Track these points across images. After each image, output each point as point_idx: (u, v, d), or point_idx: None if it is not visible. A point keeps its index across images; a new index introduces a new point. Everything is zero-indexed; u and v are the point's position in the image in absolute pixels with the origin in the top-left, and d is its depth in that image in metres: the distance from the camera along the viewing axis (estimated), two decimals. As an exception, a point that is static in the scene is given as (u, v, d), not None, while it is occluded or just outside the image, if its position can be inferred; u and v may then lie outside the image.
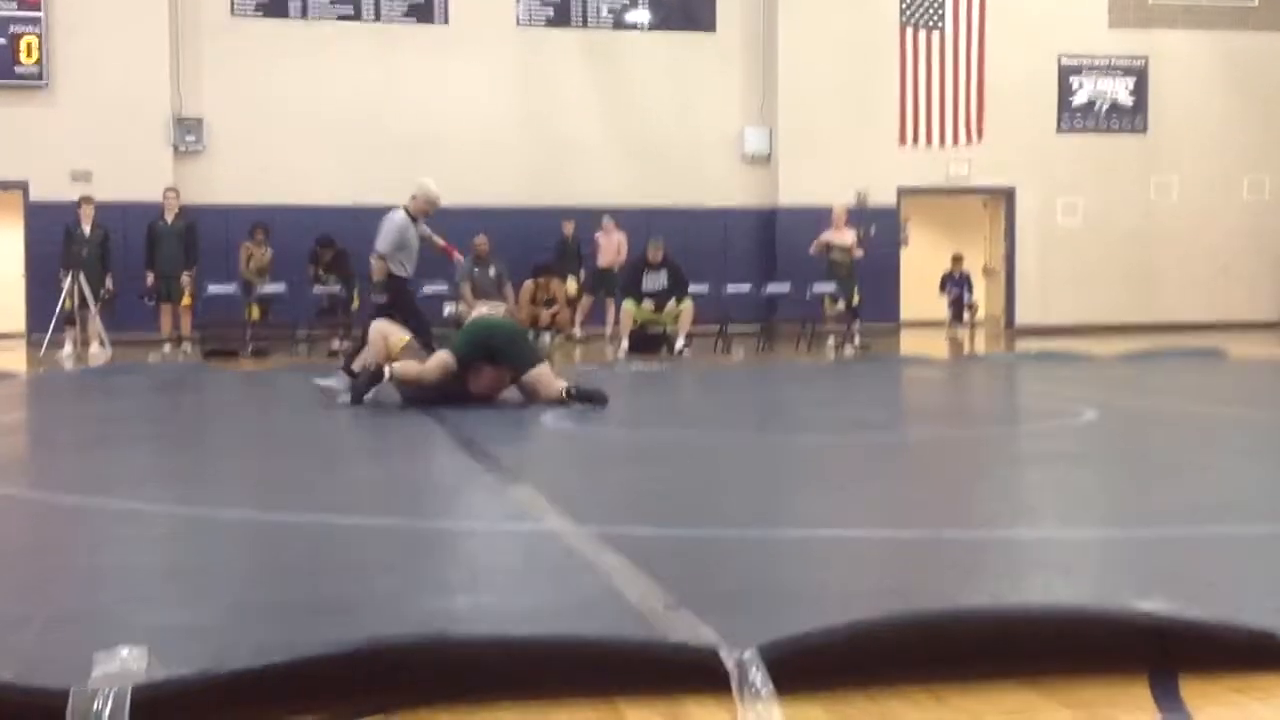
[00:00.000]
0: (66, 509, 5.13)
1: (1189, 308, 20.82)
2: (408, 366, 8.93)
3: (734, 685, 2.50)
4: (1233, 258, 21.12)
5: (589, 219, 18.48)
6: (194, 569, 3.93)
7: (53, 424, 8.99)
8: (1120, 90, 21.01)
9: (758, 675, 2.50)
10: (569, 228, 18.22)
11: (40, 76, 17.81)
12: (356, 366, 9.44)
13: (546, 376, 8.91)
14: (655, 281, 16.07)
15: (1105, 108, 20.97)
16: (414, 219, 10.21)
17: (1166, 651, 2.68)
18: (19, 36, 17.75)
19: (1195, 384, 11.60)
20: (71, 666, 2.66)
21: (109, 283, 15.73)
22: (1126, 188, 20.94)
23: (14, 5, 17.73)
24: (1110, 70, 20.96)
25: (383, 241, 10.09)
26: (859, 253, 17.25)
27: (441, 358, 8.85)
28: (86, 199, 15.90)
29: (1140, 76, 21.00)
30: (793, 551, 4.17)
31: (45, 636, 3.04)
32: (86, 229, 15.63)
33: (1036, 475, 6.03)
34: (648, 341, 16.12)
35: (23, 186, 17.99)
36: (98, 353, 15.32)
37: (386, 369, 8.78)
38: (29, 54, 17.77)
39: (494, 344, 8.92)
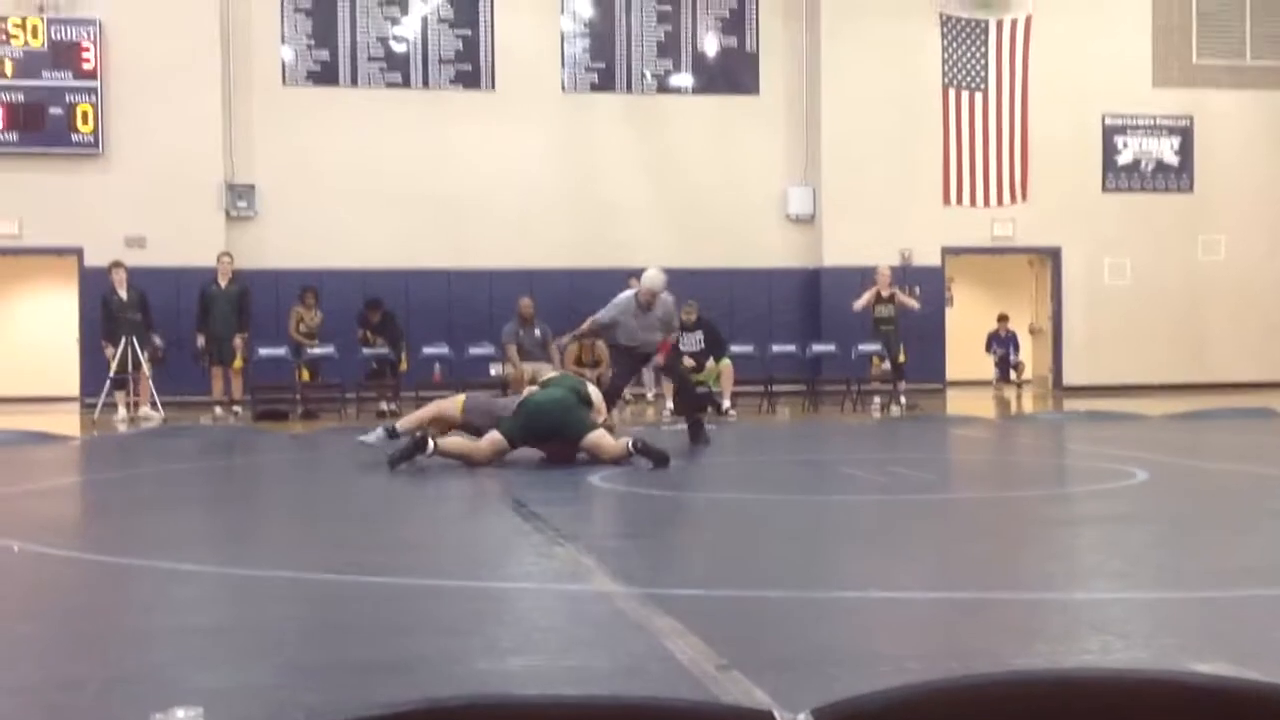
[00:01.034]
0: (121, 570, 5.18)
1: (1238, 367, 20.61)
2: (454, 443, 9.06)
3: (788, 748, 2.48)
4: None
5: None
6: (247, 629, 3.95)
7: (106, 486, 9.09)
8: (1165, 149, 20.96)
9: (812, 738, 2.48)
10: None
11: (96, 144, 18.16)
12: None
13: (604, 439, 8.99)
14: (691, 342, 16.14)
15: (1150, 167, 20.91)
16: (643, 306, 11.17)
17: (1227, 715, 2.64)
18: (75, 105, 18.12)
19: (1248, 444, 11.47)
20: (129, 727, 2.69)
21: (157, 340, 15.87)
22: (1173, 247, 20.82)
23: (70, 75, 18.12)
24: (1155, 130, 20.92)
25: (602, 312, 11.42)
26: (914, 304, 17.23)
27: (495, 439, 8.99)
28: (117, 264, 16.07)
29: (1185, 135, 20.94)
30: (844, 613, 4.14)
31: (102, 698, 3.07)
32: (123, 294, 15.79)
33: (1090, 536, 5.97)
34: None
35: (78, 252, 18.29)
36: (148, 414, 15.47)
37: (430, 442, 8.80)
38: (85, 122, 18.13)
39: (543, 426, 9.04)
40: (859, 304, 17.27)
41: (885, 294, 17.09)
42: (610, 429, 9.46)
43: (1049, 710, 2.67)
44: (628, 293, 11.71)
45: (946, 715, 2.63)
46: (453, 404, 9.82)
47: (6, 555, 5.52)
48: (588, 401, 9.30)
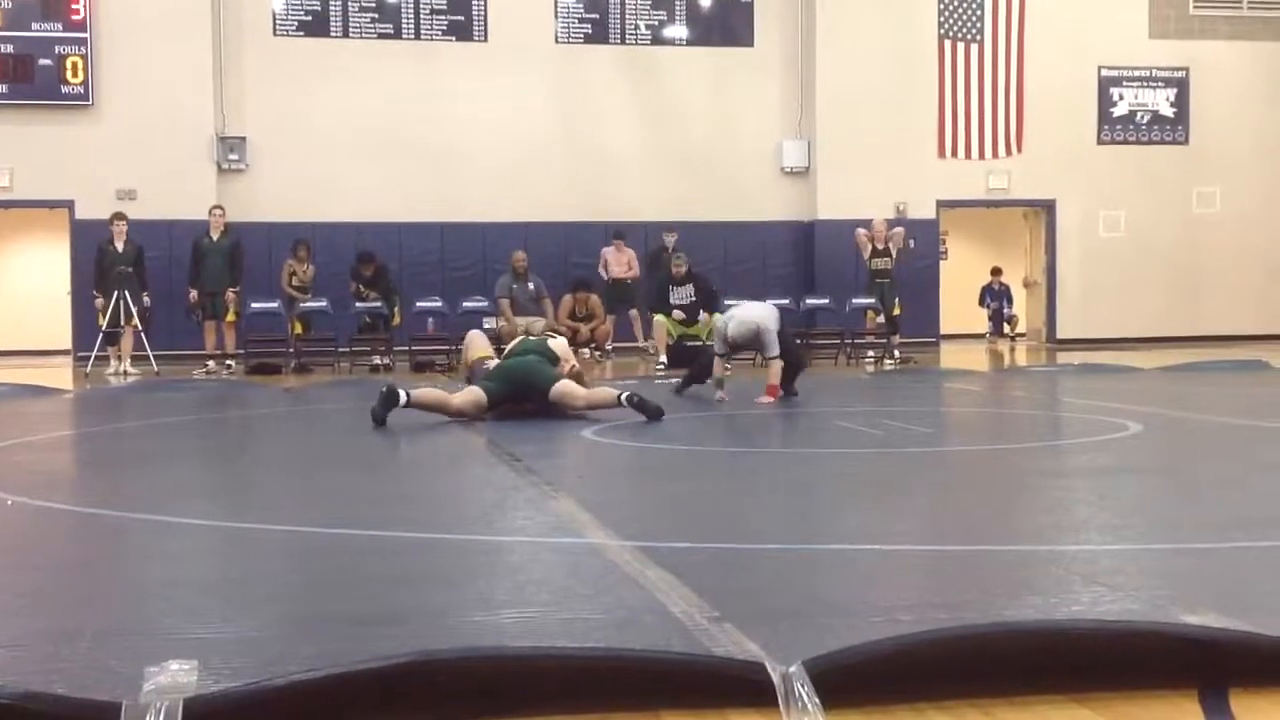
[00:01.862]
0: (114, 523, 5.18)
1: (1233, 319, 20.63)
2: (430, 394, 9.10)
3: (780, 699, 2.50)
4: (1276, 268, 20.88)
5: (629, 233, 18.53)
6: (241, 582, 3.96)
7: (100, 440, 9.09)
8: (1161, 101, 20.87)
9: (804, 689, 2.49)
10: (670, 238, 18.13)
11: (86, 96, 18.03)
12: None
13: (571, 388, 9.01)
14: (681, 295, 16.12)
15: (1146, 119, 20.84)
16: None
17: (1216, 666, 2.66)
18: (65, 57, 17.97)
19: (1240, 396, 11.49)
20: (123, 680, 2.69)
21: (145, 299, 15.76)
22: (1168, 199, 20.78)
23: (60, 26, 17.96)
24: (1151, 81, 20.82)
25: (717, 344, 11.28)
26: (900, 232, 17.27)
27: (475, 393, 9.03)
28: (119, 216, 15.93)
29: (1181, 87, 20.85)
30: (836, 565, 4.16)
31: (96, 650, 3.07)
32: (120, 246, 15.69)
33: (1082, 488, 5.99)
34: (686, 355, 16.12)
35: (69, 205, 18.20)
36: (128, 370, 15.38)
37: (402, 394, 8.75)
38: (75, 74, 17.99)
39: (513, 386, 9.10)
40: (861, 234, 17.24)
41: (880, 246, 17.10)
42: (578, 377, 9.46)
43: (1040, 660, 2.68)
44: (720, 320, 11.53)
45: (936, 666, 2.65)
46: (480, 349, 10.04)
47: (0, 508, 5.52)
48: (554, 360, 9.32)
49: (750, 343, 10.92)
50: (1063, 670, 2.67)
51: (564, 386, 9.02)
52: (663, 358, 15.82)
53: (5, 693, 2.38)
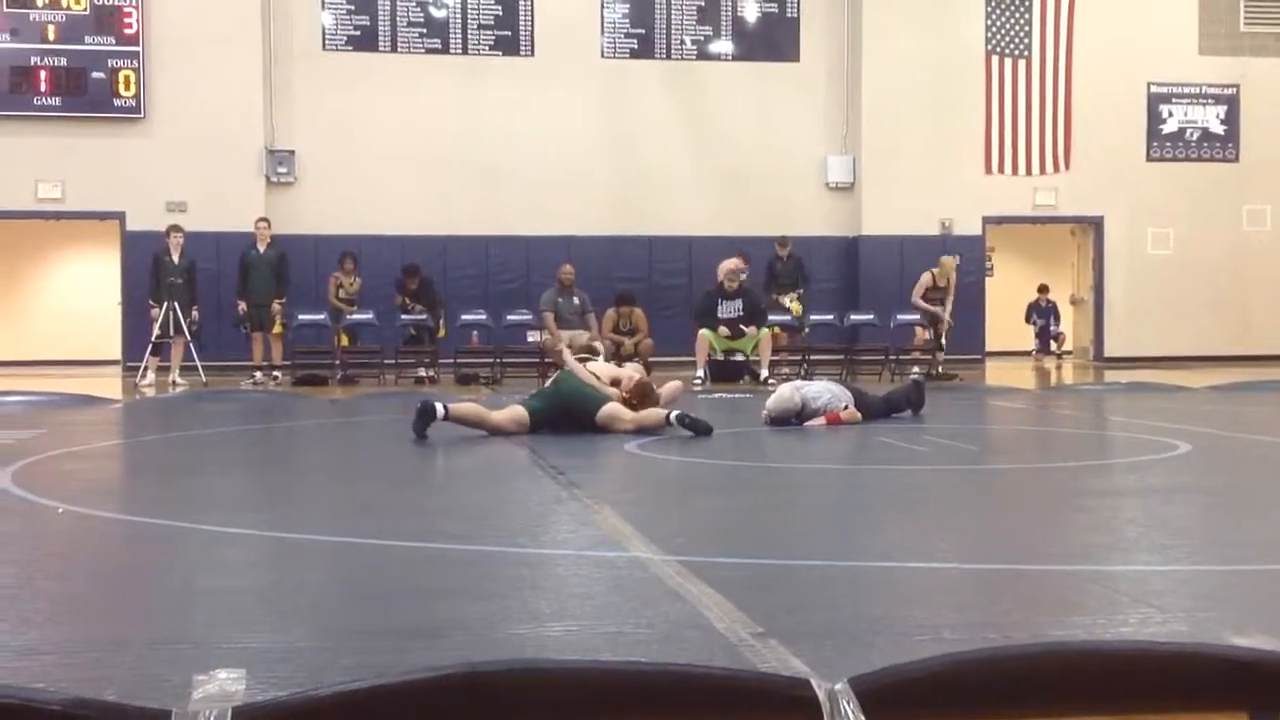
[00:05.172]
0: (163, 532, 5.23)
1: (1282, 339, 20.38)
2: (469, 409, 9.05)
3: (825, 717, 2.49)
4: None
5: (673, 247, 18.55)
6: (288, 592, 3.99)
7: (148, 449, 9.18)
8: (1211, 118, 20.68)
9: (850, 707, 2.48)
10: (784, 250, 18.00)
11: (137, 109, 18.25)
12: None
13: (619, 411, 8.99)
14: (729, 309, 16.08)
15: (1196, 136, 20.65)
16: None
17: (1266, 689, 2.62)
18: (117, 70, 18.20)
19: (1291, 416, 11.35)
20: (171, 688, 2.72)
21: (195, 313, 15.90)
22: (1218, 217, 20.58)
23: (112, 40, 18.20)
24: (1201, 98, 20.64)
25: None
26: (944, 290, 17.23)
27: (517, 411, 8.98)
28: (175, 228, 16.11)
29: (1231, 104, 20.66)
30: (881, 582, 4.14)
31: (145, 658, 3.11)
32: (175, 258, 15.86)
33: (1130, 508, 5.93)
34: (729, 370, 16.11)
35: (120, 217, 18.42)
36: (181, 380, 15.53)
37: (440, 408, 8.72)
38: (127, 87, 18.22)
39: (561, 404, 9.07)
40: (918, 293, 17.12)
41: (941, 284, 17.01)
42: (642, 390, 9.35)
43: (1087, 682, 2.66)
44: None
45: (983, 685, 2.63)
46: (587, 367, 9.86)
47: (51, 516, 5.59)
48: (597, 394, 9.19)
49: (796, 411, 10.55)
50: (1110, 692, 2.64)
51: (612, 410, 8.97)
52: (700, 372, 15.80)
53: (56, 699, 2.40)
